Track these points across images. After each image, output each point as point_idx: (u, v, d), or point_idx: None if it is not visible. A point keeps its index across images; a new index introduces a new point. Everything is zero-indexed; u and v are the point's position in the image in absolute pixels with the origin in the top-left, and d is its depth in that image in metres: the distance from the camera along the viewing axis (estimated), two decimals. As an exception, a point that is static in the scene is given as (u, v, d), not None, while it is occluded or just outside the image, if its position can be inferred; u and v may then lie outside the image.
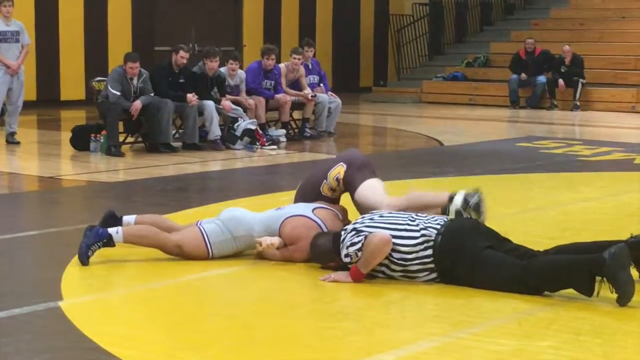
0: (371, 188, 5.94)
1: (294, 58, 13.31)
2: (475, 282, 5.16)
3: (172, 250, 5.84)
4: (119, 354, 4.13)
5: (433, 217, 5.44)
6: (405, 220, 5.39)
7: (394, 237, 5.28)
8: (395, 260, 5.30)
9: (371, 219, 5.47)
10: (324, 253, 5.57)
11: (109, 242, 5.76)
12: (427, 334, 4.48)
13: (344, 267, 5.48)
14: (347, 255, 5.38)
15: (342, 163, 6.10)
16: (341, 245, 5.42)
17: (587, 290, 4.90)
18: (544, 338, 4.40)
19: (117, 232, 5.79)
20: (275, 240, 5.78)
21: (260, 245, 5.76)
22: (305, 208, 5.95)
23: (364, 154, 6.79)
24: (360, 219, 5.55)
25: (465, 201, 5.56)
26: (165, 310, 4.90)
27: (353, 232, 5.39)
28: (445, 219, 5.40)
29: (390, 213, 5.54)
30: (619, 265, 4.81)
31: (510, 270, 5.08)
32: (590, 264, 4.89)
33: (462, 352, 4.23)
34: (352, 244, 5.33)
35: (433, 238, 5.25)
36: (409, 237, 5.28)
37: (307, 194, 6.23)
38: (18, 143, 12.16)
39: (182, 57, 11.80)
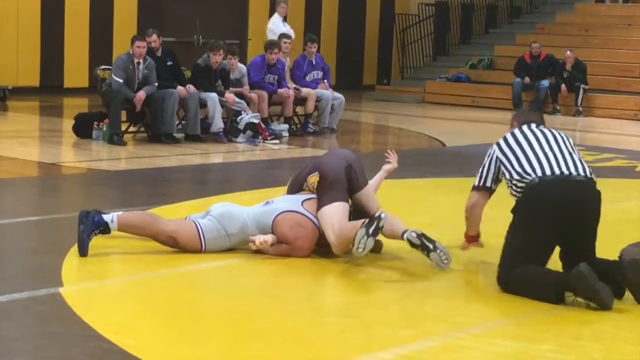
0: (330, 217, 5.82)
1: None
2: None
3: (165, 240, 5.81)
4: (118, 342, 4.13)
5: None
6: None
7: None
8: None
9: None
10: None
11: (105, 229, 5.74)
12: (426, 333, 4.47)
13: None
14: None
15: (317, 173, 6.05)
16: None
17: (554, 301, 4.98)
18: (543, 341, 4.40)
19: (112, 221, 5.75)
20: (269, 237, 5.80)
21: (254, 243, 5.77)
22: (295, 201, 5.94)
23: (358, 153, 6.74)
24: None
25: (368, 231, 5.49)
26: (165, 301, 4.90)
27: None
28: None
29: None
30: (588, 288, 4.84)
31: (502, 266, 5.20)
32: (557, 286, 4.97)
33: (461, 353, 4.23)
34: None
35: None
36: None
37: (295, 190, 6.21)
38: None
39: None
